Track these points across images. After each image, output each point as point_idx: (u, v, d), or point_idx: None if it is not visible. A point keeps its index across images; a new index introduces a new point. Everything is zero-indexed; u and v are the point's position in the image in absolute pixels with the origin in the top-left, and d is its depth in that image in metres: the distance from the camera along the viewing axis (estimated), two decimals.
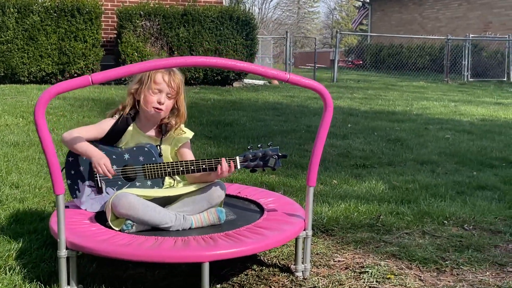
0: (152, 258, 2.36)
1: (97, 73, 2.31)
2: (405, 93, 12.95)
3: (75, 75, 11.51)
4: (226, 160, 2.76)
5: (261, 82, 14.85)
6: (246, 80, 14.48)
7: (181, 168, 2.78)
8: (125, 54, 11.86)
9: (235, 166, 2.78)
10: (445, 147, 6.26)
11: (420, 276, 2.81)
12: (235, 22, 12.93)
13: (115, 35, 12.66)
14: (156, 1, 13.15)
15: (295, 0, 61.25)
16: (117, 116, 2.92)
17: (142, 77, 2.85)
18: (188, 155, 3.00)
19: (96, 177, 2.83)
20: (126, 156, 2.81)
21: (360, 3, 32.66)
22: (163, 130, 2.94)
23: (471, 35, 18.53)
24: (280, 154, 2.82)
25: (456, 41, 18.81)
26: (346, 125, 7.52)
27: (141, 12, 12.11)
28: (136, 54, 11.92)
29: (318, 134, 2.63)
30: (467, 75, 18.11)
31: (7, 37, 10.97)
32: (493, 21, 22.73)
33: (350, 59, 27.00)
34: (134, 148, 2.83)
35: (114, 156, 2.81)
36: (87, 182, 2.86)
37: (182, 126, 3.01)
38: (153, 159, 2.80)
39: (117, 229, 2.63)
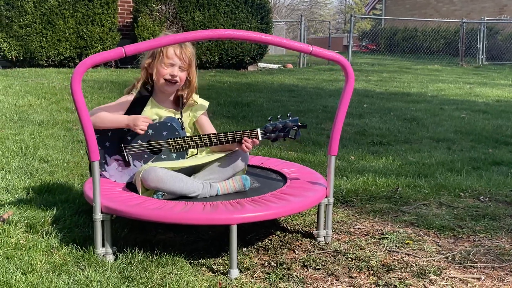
0: (183, 220, 2.47)
1: (130, 45, 2.42)
2: (420, 76, 12.96)
3: None
4: (247, 133, 2.86)
5: (275, 66, 14.92)
6: (260, 64, 14.55)
7: (204, 141, 2.89)
8: (141, 38, 11.97)
9: (255, 137, 2.88)
10: (461, 125, 6.33)
11: (438, 242, 2.92)
12: (250, 6, 12.99)
13: (131, 19, 12.78)
14: None
15: None
16: (134, 92, 3.02)
17: (155, 51, 2.94)
18: (207, 125, 3.11)
19: (123, 151, 2.95)
20: (150, 131, 2.91)
21: None
22: (180, 102, 3.04)
23: (486, 18, 18.41)
24: (300, 124, 2.92)
25: (471, 24, 18.72)
26: (362, 106, 7.60)
27: None
28: (152, 38, 12.01)
29: (339, 104, 2.73)
30: (482, 58, 18.04)
31: (26, 21, 11.12)
32: (508, 4, 22.56)
33: (364, 43, 26.91)
34: (157, 124, 2.93)
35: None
36: (114, 156, 2.97)
37: (195, 96, 3.10)
38: (176, 133, 2.91)
39: (148, 195, 2.76)
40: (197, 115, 3.09)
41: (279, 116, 2.94)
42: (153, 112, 3.00)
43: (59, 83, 8.51)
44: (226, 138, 2.88)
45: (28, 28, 11.17)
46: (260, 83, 10.20)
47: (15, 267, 2.40)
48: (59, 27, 11.37)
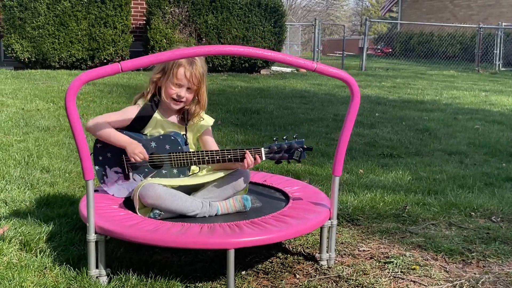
0: (179, 244, 2.39)
1: (126, 61, 2.34)
2: (435, 82, 12.80)
3: (105, 61, 11.64)
4: (251, 151, 2.79)
5: (288, 70, 14.82)
6: (273, 68, 14.47)
7: (207, 158, 2.81)
8: (154, 40, 11.94)
9: (260, 157, 2.80)
10: (474, 137, 6.19)
11: (446, 268, 2.80)
12: (263, 9, 12.91)
13: (144, 22, 12.75)
14: None
15: None
16: (140, 103, 2.96)
17: (165, 67, 2.87)
18: (211, 142, 3.04)
19: (124, 163, 2.88)
20: (153, 144, 2.85)
21: None
22: (185, 116, 2.97)
23: (503, 24, 18.17)
24: (305, 146, 2.83)
25: (488, 30, 18.50)
26: (374, 114, 7.48)
27: None
28: (164, 40, 11.99)
29: (344, 124, 2.63)
30: (499, 64, 17.80)
31: (39, 23, 11.13)
32: None
33: (379, 47, 26.74)
34: (161, 137, 2.87)
35: (141, 143, 2.85)
36: (114, 168, 2.90)
37: (202, 112, 3.02)
38: (179, 147, 2.84)
39: (146, 215, 2.68)
40: (201, 130, 3.01)
41: (284, 137, 2.86)
42: (157, 125, 2.93)
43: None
44: (229, 156, 2.80)
45: (40, 30, 11.17)
46: (272, 88, 10.11)
47: None
48: (72, 29, 11.36)
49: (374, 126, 6.62)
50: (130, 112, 2.94)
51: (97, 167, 2.90)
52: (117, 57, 11.80)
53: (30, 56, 11.22)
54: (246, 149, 2.80)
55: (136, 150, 2.78)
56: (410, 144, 5.74)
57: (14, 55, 11.17)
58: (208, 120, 3.03)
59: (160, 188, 2.67)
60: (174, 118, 2.98)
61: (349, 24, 58.11)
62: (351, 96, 2.59)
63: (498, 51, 17.74)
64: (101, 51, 11.65)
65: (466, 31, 20.28)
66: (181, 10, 12.33)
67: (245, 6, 12.69)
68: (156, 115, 2.94)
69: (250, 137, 5.68)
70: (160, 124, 2.93)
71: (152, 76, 2.92)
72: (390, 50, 24.62)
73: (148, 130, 2.93)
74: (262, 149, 2.81)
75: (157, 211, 2.68)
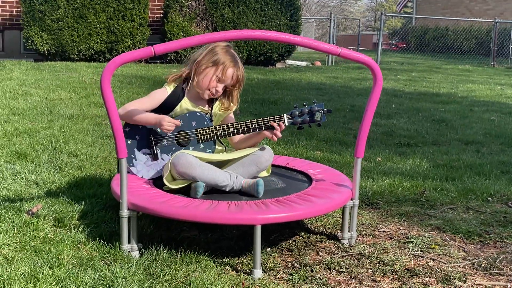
0: (208, 219, 2.49)
1: (159, 44, 2.45)
2: (450, 76, 12.80)
3: (123, 52, 11.74)
4: (274, 118, 2.89)
5: (303, 63, 14.88)
6: (288, 61, 14.53)
7: (232, 130, 2.92)
8: (171, 33, 12.04)
9: (283, 123, 2.90)
10: (490, 128, 6.24)
11: (464, 247, 2.89)
12: (279, 3, 12.96)
13: (161, 15, 12.86)
14: None
15: None
16: (168, 88, 3.07)
17: (217, 61, 2.96)
18: (232, 120, 3.16)
19: (152, 144, 2.99)
20: (180, 121, 2.97)
21: None
22: (211, 101, 3.11)
23: None
24: (325, 109, 2.91)
25: (504, 24, 18.41)
26: (391, 106, 7.54)
27: None
28: (181, 33, 12.09)
29: (367, 106, 2.71)
30: None
31: (58, 15, 11.27)
32: None
33: (393, 41, 26.66)
34: (187, 114, 2.99)
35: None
36: (143, 150, 3.02)
37: (232, 109, 3.17)
38: (205, 123, 2.96)
39: (173, 187, 2.78)
40: (224, 115, 3.14)
41: (304, 103, 2.95)
42: (185, 109, 3.04)
43: (89, 78, 8.60)
44: (253, 125, 2.90)
45: (60, 22, 11.31)
46: (288, 80, 10.18)
47: (43, 261, 2.44)
48: (91, 22, 11.49)
49: (391, 117, 6.69)
50: (159, 96, 3.06)
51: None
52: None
53: (49, 48, 11.37)
54: (269, 118, 2.90)
55: (164, 122, 2.89)
56: (427, 134, 5.81)
57: (34, 47, 11.32)
58: (232, 103, 3.15)
59: (192, 158, 2.78)
60: (202, 103, 3.09)
61: (363, 20, 57.83)
62: (374, 80, 2.67)
63: None
64: (119, 43, 11.77)
65: (482, 26, 20.19)
66: (198, 3, 12.43)
67: None
68: (185, 101, 3.05)
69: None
70: (187, 108, 3.04)
71: (200, 60, 3.00)
72: (405, 45, 24.56)
73: (175, 112, 3.04)
74: (285, 115, 2.91)
75: (200, 185, 2.73)
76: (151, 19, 12.84)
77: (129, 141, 3.02)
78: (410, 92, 9.27)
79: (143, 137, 3.01)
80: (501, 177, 4.24)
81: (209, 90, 2.99)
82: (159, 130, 2.98)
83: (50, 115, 5.73)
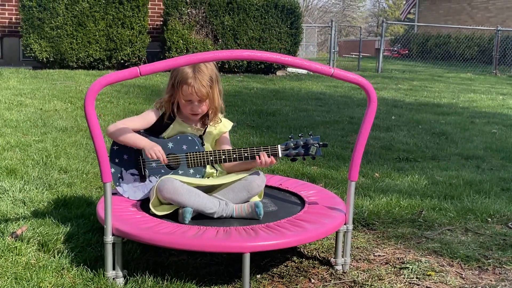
0: (195, 247, 2.41)
1: (145, 65, 2.36)
2: (452, 85, 12.72)
3: (122, 61, 11.71)
4: (268, 149, 2.81)
5: (304, 71, 14.79)
6: (289, 69, 14.45)
7: (223, 156, 2.83)
8: (170, 41, 11.98)
9: (276, 155, 2.82)
10: (492, 142, 6.15)
11: (462, 274, 2.79)
12: (280, 11, 12.91)
13: (161, 22, 12.81)
14: None
15: None
16: (162, 109, 2.98)
17: (174, 84, 2.87)
18: (227, 143, 3.06)
19: (140, 165, 2.91)
20: (170, 144, 2.88)
21: None
22: (206, 121, 3.00)
23: None
24: (321, 143, 2.84)
25: (506, 32, 18.32)
26: (390, 117, 7.45)
27: (187, 0, 12.21)
28: (181, 41, 12.03)
29: (361, 129, 2.63)
30: None
31: (57, 23, 11.22)
32: None
33: (395, 48, 26.59)
34: (178, 137, 2.90)
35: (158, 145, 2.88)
36: (130, 170, 2.93)
37: (221, 115, 3.04)
38: (196, 147, 2.87)
39: (158, 213, 2.70)
40: (220, 134, 3.04)
41: (300, 135, 2.88)
42: (177, 130, 2.96)
43: (86, 87, 8.53)
44: (245, 154, 2.82)
45: (59, 30, 11.26)
46: (288, 90, 10.11)
47: None
48: (90, 29, 11.44)
49: (390, 130, 6.60)
50: (150, 117, 2.97)
51: (113, 170, 2.92)
52: (134, 58, 11.87)
53: (48, 56, 11.32)
54: (262, 147, 2.81)
55: (155, 149, 2.81)
56: (426, 148, 5.72)
57: (33, 55, 11.27)
58: (226, 125, 3.05)
59: (178, 183, 2.69)
60: (194, 124, 3.00)
61: (366, 25, 57.92)
62: (368, 102, 2.58)
63: None
64: (119, 51, 11.72)
65: (484, 34, 20.11)
66: (198, 11, 12.37)
67: (261, 7, 12.71)
68: (177, 121, 2.97)
69: (266, 139, 5.69)
70: (180, 130, 2.96)
71: (165, 97, 2.93)
72: (407, 51, 24.49)
73: (167, 133, 2.95)
74: (279, 146, 2.83)
75: (188, 210, 2.65)
76: (150, 26, 12.79)
77: (117, 160, 2.93)
78: (410, 103, 9.18)
79: (132, 157, 2.92)
80: (501, 195, 4.14)
81: (190, 113, 2.91)
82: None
83: (43, 127, 5.66)
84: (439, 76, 15.31)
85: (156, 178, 2.89)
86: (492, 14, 24.13)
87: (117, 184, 2.94)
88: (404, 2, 32.36)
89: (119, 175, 2.93)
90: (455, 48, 20.24)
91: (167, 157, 2.87)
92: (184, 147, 2.88)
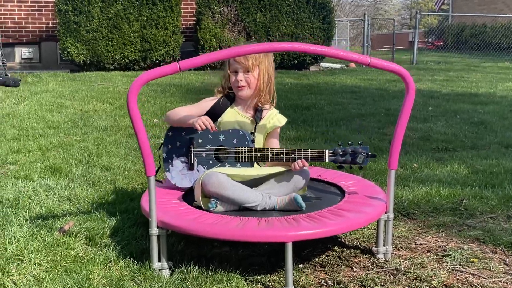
0: (238, 237, 2.45)
1: (184, 60, 2.41)
2: (489, 75, 12.50)
3: (157, 61, 11.85)
4: (315, 152, 2.82)
5: (338, 66, 14.73)
6: (322, 64, 14.41)
7: (270, 155, 2.86)
8: (204, 40, 12.07)
9: (323, 159, 2.82)
10: None
11: (505, 260, 2.77)
12: (311, 6, 12.87)
13: (194, 22, 12.90)
14: None
15: None
16: (218, 96, 3.09)
17: (225, 62, 3.02)
18: (275, 139, 3.11)
19: (191, 153, 2.97)
20: (221, 137, 2.94)
21: None
22: (258, 112, 3.05)
23: None
24: (369, 153, 2.84)
25: None
26: (427, 108, 7.37)
27: None
28: (214, 40, 12.11)
29: (399, 117, 2.63)
30: None
31: (93, 26, 11.42)
32: None
33: (430, 40, 26.24)
34: (230, 131, 2.95)
35: (210, 136, 2.95)
36: (181, 158, 3.00)
37: (275, 111, 3.11)
38: (246, 143, 2.91)
39: (204, 207, 2.75)
40: (273, 128, 3.09)
41: (349, 143, 2.88)
42: (231, 116, 3.03)
43: (123, 88, 8.67)
44: (292, 155, 2.84)
45: (94, 33, 11.46)
46: (322, 84, 10.09)
47: (73, 282, 2.43)
48: (125, 31, 11.61)
49: (428, 120, 6.54)
50: (205, 104, 3.07)
51: (164, 155, 3.02)
52: (168, 58, 11.99)
53: (85, 59, 11.53)
54: (310, 151, 2.83)
55: (202, 117, 2.89)
56: (465, 137, 5.65)
57: (70, 58, 11.50)
58: (280, 120, 3.11)
59: (223, 177, 2.74)
60: (248, 113, 3.06)
61: (399, 18, 57.13)
62: (406, 89, 2.59)
63: None
64: (153, 52, 11.86)
65: None
66: (230, 9, 12.43)
67: (293, 3, 12.69)
68: (230, 109, 3.04)
69: (302, 133, 5.70)
70: (234, 117, 3.02)
71: (223, 74, 3.09)
72: (441, 43, 24.14)
73: (222, 118, 3.02)
74: (326, 151, 2.84)
75: (214, 200, 2.73)
76: (184, 26, 12.89)
77: (170, 146, 3.02)
78: (447, 93, 9.07)
79: (184, 145, 3.00)
80: None
81: (236, 86, 3.00)
82: (200, 140, 2.95)
83: (84, 128, 5.78)
84: (475, 66, 15.06)
85: (204, 168, 2.94)
86: None
87: (167, 169, 3.01)
88: None
89: (170, 161, 3.00)
90: (491, 37, 19.87)
91: (217, 149, 2.93)
92: (235, 141, 2.93)
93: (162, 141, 3.05)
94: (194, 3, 12.79)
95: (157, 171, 2.98)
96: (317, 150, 2.83)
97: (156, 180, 2.80)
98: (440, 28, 24.60)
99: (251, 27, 12.49)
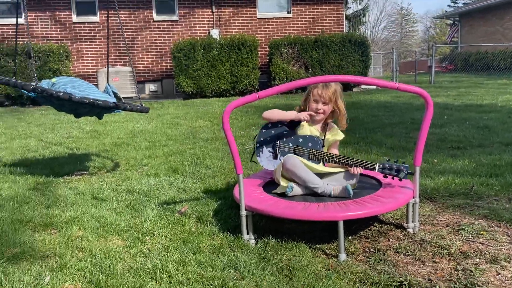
0: (303, 217, 2.44)
1: (262, 91, 2.43)
2: (491, 90, 11.80)
3: (242, 89, 11.99)
4: (369, 163, 2.76)
5: (374, 87, 14.35)
6: (363, 86, 14.08)
7: (335, 159, 2.82)
8: (275, 73, 12.12)
9: (373, 170, 2.76)
10: None
11: (508, 233, 2.61)
12: (353, 44, 12.63)
13: (267, 60, 12.97)
14: (296, 34, 13.24)
15: (398, 23, 58.09)
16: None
17: (308, 91, 2.98)
18: (334, 150, 3.05)
19: (276, 146, 2.96)
20: (300, 139, 2.92)
21: (451, 21, 30.19)
22: (325, 128, 3.02)
23: None
24: (410, 171, 2.75)
25: None
26: (443, 117, 7.05)
27: (285, 43, 12.29)
28: (282, 72, 12.13)
29: (422, 127, 2.54)
30: None
31: (197, 67, 11.71)
32: None
33: (444, 64, 25.09)
34: (307, 136, 2.92)
35: (292, 137, 2.94)
36: (269, 148, 2.98)
37: (338, 129, 3.04)
38: (318, 147, 2.89)
39: (284, 184, 2.74)
40: (334, 141, 3.04)
41: (395, 160, 2.82)
42: (305, 128, 2.99)
43: (220, 109, 8.81)
44: (351, 162, 2.79)
45: (198, 71, 11.74)
46: (362, 101, 9.86)
47: (189, 249, 2.50)
48: (219, 69, 11.83)
49: (444, 126, 6.25)
50: (291, 114, 3.01)
51: (257, 144, 3.00)
52: (250, 87, 12.11)
53: (192, 90, 11.83)
54: (365, 162, 2.78)
55: (303, 113, 2.92)
56: (473, 138, 5.36)
57: (182, 89, 11.84)
58: (340, 135, 3.05)
59: (298, 160, 2.75)
60: (317, 127, 3.03)
61: (419, 49, 55.04)
62: (426, 107, 2.49)
63: None
64: (239, 83, 12.01)
65: None
66: (293, 49, 12.41)
67: (339, 42, 12.51)
68: (307, 123, 3.01)
69: (348, 138, 5.58)
70: (308, 128, 2.99)
71: (302, 99, 3.05)
72: (453, 67, 23.02)
73: (299, 129, 2.99)
74: (377, 164, 2.77)
75: (290, 186, 2.71)
76: (260, 63, 12.98)
77: (262, 139, 2.99)
78: (458, 105, 8.63)
79: (272, 139, 2.98)
80: None
81: (313, 111, 2.96)
82: (285, 138, 2.93)
83: (193, 139, 5.92)
84: (480, 83, 14.25)
85: None
86: None
87: (258, 155, 2.99)
88: (449, 29, 30.43)
89: (260, 149, 2.99)
90: (492, 61, 18.75)
91: (295, 147, 2.91)
92: (310, 144, 2.90)
93: (251, 145, 3.05)
94: (267, 47, 12.85)
95: (252, 156, 3.05)
96: (370, 162, 2.76)
97: (251, 160, 2.87)
98: (452, 56, 23.48)
99: (309, 62, 12.41)
